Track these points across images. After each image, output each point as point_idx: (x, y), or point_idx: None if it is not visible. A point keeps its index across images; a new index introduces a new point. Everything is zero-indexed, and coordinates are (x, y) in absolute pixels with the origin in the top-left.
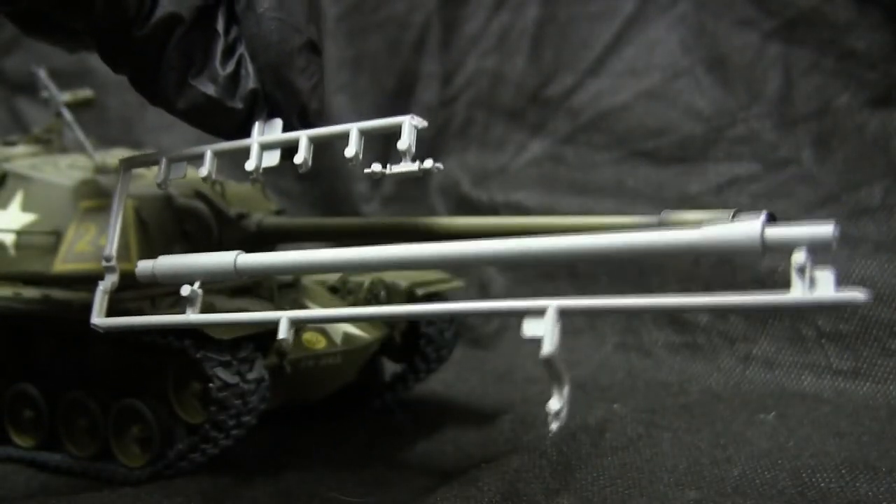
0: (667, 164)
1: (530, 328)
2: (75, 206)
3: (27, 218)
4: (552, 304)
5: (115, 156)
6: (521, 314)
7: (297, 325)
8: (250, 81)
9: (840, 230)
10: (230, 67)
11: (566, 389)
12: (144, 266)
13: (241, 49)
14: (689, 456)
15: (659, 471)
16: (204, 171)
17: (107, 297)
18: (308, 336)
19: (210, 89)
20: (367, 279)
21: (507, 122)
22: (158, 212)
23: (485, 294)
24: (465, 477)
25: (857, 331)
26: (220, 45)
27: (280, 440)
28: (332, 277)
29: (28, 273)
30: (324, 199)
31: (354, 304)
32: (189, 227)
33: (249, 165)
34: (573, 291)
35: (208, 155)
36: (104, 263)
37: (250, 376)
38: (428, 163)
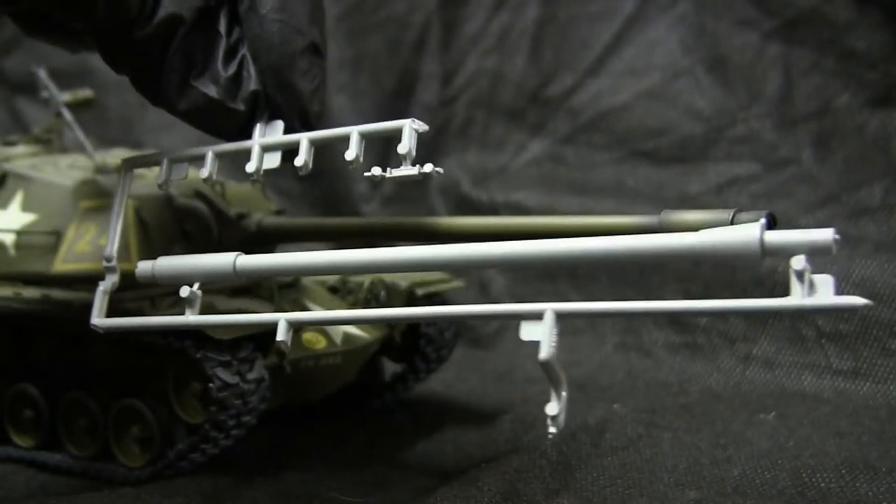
0: (667, 164)
1: (528, 332)
2: (75, 206)
3: (27, 218)
4: (550, 307)
5: (115, 156)
6: (518, 318)
7: (296, 327)
8: (252, 83)
9: (839, 232)
10: (232, 69)
11: (564, 393)
12: (144, 267)
13: (244, 50)
14: (689, 456)
15: (659, 471)
16: (205, 172)
17: (107, 297)
18: (308, 336)
19: (212, 90)
20: (366, 279)
21: (507, 122)
22: (158, 212)
23: (485, 294)
24: (465, 477)
25: (857, 331)
26: (222, 47)
27: (280, 440)
28: (332, 277)
29: (28, 273)
30: (324, 199)
31: (354, 304)
32: (189, 227)
33: (250, 167)
34: (573, 292)
35: (209, 156)
36: (105, 263)
37: (250, 376)
38: (428, 167)
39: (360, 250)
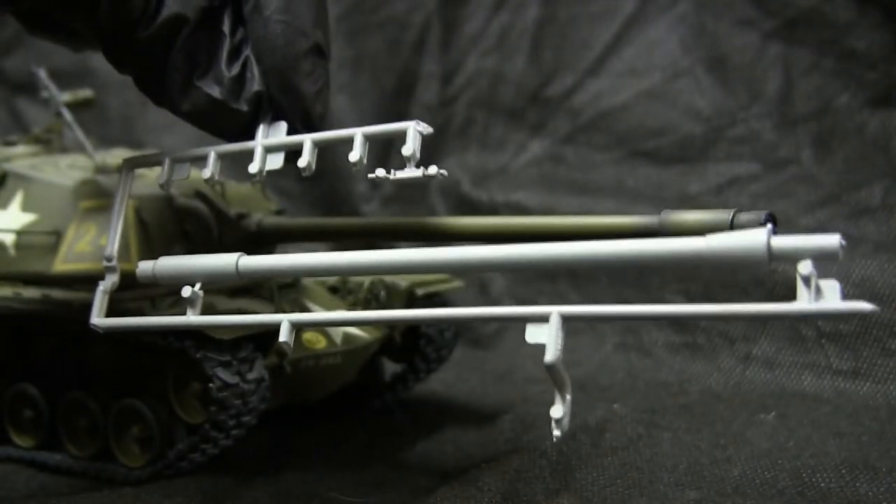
0: (667, 164)
1: (533, 334)
2: (75, 206)
3: (27, 218)
4: (555, 310)
5: (115, 156)
6: (524, 321)
7: (299, 328)
8: (255, 84)
9: (840, 230)
10: (236, 69)
11: (569, 396)
12: (145, 267)
13: (247, 51)
14: (689, 456)
15: (659, 471)
16: (207, 172)
17: (107, 297)
18: (308, 336)
19: (215, 91)
20: (366, 279)
21: (507, 122)
22: (159, 212)
23: (485, 294)
24: (465, 477)
25: (857, 331)
26: (225, 47)
27: (280, 440)
28: (332, 277)
29: (28, 273)
30: (324, 199)
31: (354, 304)
32: (189, 227)
33: (253, 168)
34: (573, 292)
35: (212, 156)
36: (105, 263)
37: (250, 376)
38: (433, 169)
39: (361, 252)
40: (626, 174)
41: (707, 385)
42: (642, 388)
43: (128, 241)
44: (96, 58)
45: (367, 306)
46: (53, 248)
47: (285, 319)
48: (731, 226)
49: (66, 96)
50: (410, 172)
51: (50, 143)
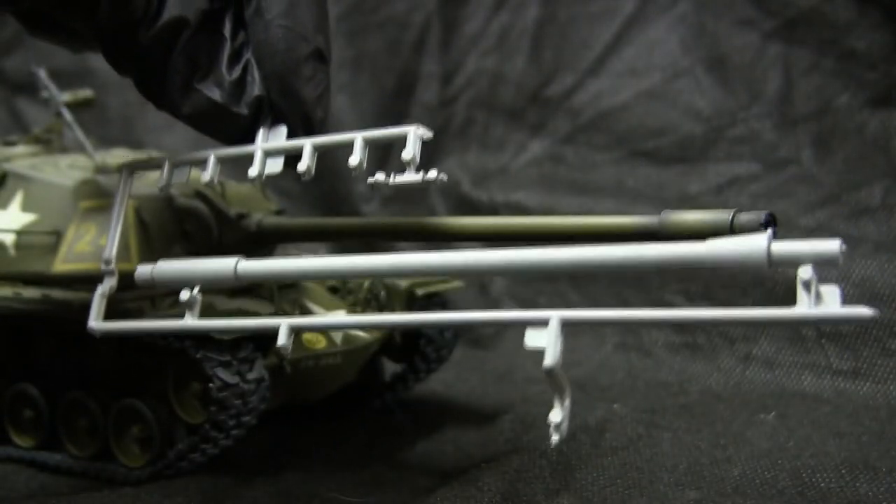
0: (667, 164)
1: (533, 339)
2: (75, 206)
3: (27, 218)
4: (555, 315)
5: (115, 156)
6: (523, 325)
7: (297, 332)
8: (256, 88)
9: (840, 233)
10: (236, 73)
11: (568, 401)
12: (143, 270)
13: (248, 54)
14: (689, 456)
15: (659, 471)
16: (207, 175)
17: (105, 301)
18: (308, 336)
19: (215, 94)
20: (366, 279)
21: (507, 122)
22: (159, 212)
23: (485, 294)
24: (465, 477)
25: (857, 331)
26: (226, 50)
27: (280, 440)
28: None
29: (28, 273)
30: (324, 199)
31: (354, 304)
32: (189, 227)
33: (253, 172)
34: (573, 292)
35: (212, 160)
36: (103, 267)
37: (250, 376)
38: (432, 174)
39: (359, 256)
40: (626, 174)
41: (707, 385)
42: (642, 388)
43: (128, 242)
44: (96, 58)
45: (366, 306)
46: (53, 248)
47: (283, 323)
48: (731, 226)
49: (66, 96)
50: (410, 177)
51: (50, 143)
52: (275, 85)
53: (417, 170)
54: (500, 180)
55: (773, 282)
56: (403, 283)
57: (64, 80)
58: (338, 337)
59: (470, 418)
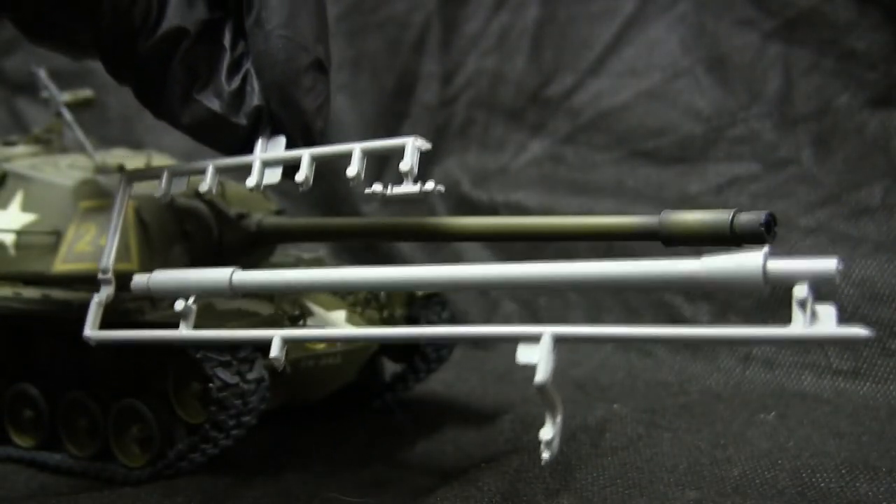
0: (667, 164)
1: (525, 354)
2: (75, 206)
3: (27, 218)
4: (547, 330)
5: (115, 156)
6: (515, 340)
7: (290, 343)
8: (255, 98)
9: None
10: (236, 83)
11: (559, 418)
12: (139, 280)
13: (248, 65)
14: (689, 456)
15: (659, 471)
16: (205, 185)
17: (101, 309)
18: None
19: (215, 104)
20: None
21: (507, 122)
22: (159, 212)
23: (484, 295)
24: (465, 477)
25: None
26: (226, 60)
27: (280, 440)
28: None
29: (28, 273)
30: (324, 199)
31: (354, 303)
32: (189, 227)
33: (251, 182)
34: (573, 292)
35: (210, 170)
36: (100, 276)
37: (250, 376)
38: (430, 185)
39: (356, 269)
40: (626, 174)
41: (707, 385)
42: (642, 388)
43: (128, 242)
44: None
45: (366, 306)
46: (53, 248)
47: (277, 335)
48: (731, 226)
49: (66, 96)
50: (407, 188)
51: (50, 143)
52: (274, 95)
53: (415, 180)
54: (500, 180)
55: (773, 285)
56: None
57: (64, 80)
58: None
59: (470, 418)
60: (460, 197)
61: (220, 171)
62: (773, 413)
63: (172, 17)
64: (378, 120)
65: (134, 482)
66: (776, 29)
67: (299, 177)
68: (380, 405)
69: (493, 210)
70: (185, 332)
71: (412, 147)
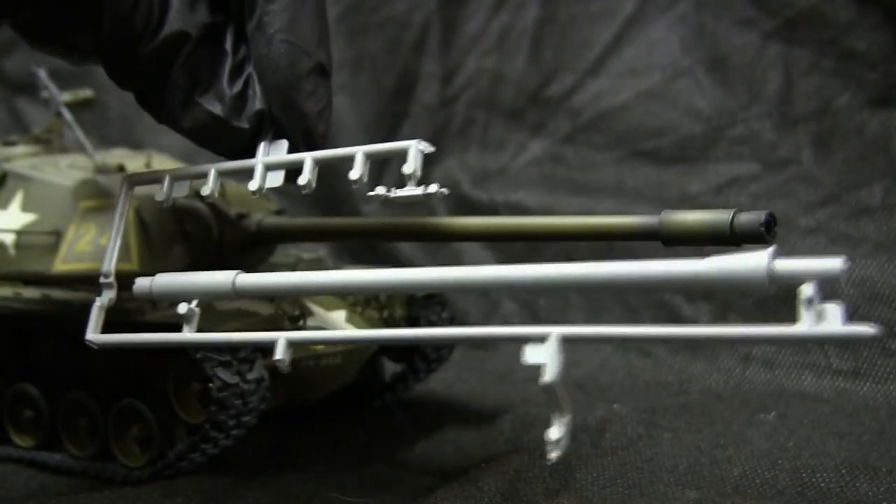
0: (667, 164)
1: (532, 355)
2: (75, 206)
3: (27, 218)
4: (554, 331)
5: (115, 156)
6: (522, 341)
7: (295, 346)
8: (257, 102)
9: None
10: (237, 87)
11: (567, 418)
12: (142, 283)
13: (249, 69)
14: (689, 456)
15: (659, 471)
16: (207, 189)
17: (103, 313)
18: None
19: (216, 108)
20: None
21: (507, 122)
22: (159, 212)
23: (484, 295)
24: (465, 477)
25: None
26: (227, 64)
27: (280, 440)
28: None
29: (28, 273)
30: (324, 199)
31: (354, 304)
32: (189, 227)
33: (253, 185)
34: (573, 292)
35: (212, 174)
36: (102, 280)
37: (250, 376)
38: (433, 187)
39: (359, 271)
40: (626, 174)
41: (707, 385)
42: (642, 388)
43: (128, 242)
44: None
45: (366, 306)
46: (53, 248)
47: (281, 337)
48: (731, 226)
49: (66, 96)
50: (411, 191)
51: (50, 143)
52: (276, 99)
53: (418, 183)
54: (500, 180)
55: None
56: None
57: (64, 80)
58: None
59: (470, 418)
60: (460, 197)
61: (222, 174)
62: (773, 413)
63: (174, 22)
64: (378, 120)
65: (134, 482)
66: (776, 29)
67: (302, 180)
68: (380, 405)
69: (493, 210)
70: (188, 334)
71: (415, 150)
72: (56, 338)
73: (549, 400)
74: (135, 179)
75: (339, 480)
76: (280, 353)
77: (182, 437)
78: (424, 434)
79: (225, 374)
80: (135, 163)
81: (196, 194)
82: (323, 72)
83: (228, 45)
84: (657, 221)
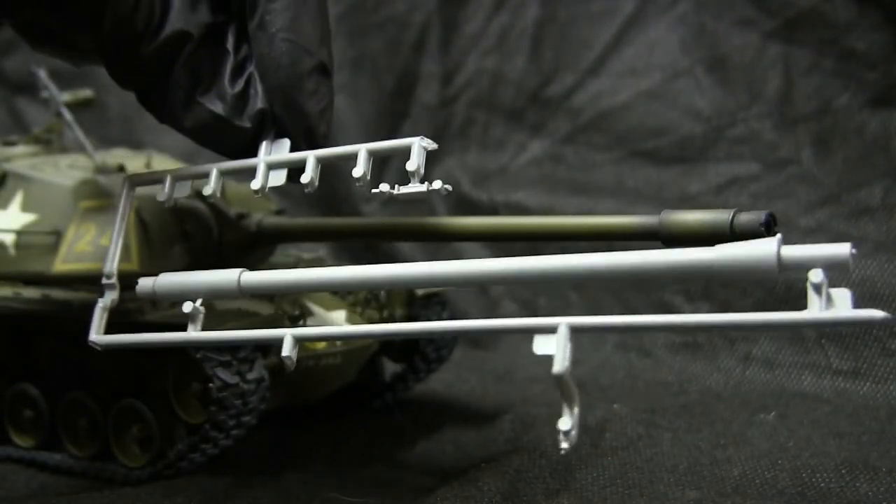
0: (667, 164)
1: (541, 346)
2: (75, 206)
3: (27, 218)
4: (564, 321)
5: (115, 156)
6: (532, 332)
7: (301, 342)
8: (259, 101)
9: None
10: (239, 86)
11: (577, 408)
12: (145, 283)
13: (251, 68)
14: (689, 456)
15: (659, 471)
16: (209, 189)
17: (106, 314)
18: None
19: (218, 107)
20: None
21: (507, 122)
22: (159, 212)
23: (485, 294)
24: (465, 477)
25: (857, 331)
26: (229, 64)
27: (280, 440)
28: None
29: (28, 273)
30: (324, 199)
31: (354, 304)
32: (189, 227)
33: (255, 185)
34: (573, 292)
35: (214, 174)
36: (104, 281)
37: (250, 376)
38: (437, 184)
39: (363, 267)
40: (626, 174)
41: (707, 385)
42: (642, 388)
43: (128, 242)
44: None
45: (366, 306)
46: (53, 248)
47: (288, 334)
48: (731, 226)
49: (66, 96)
50: (414, 188)
51: (50, 143)
52: (278, 98)
53: (422, 180)
54: (500, 180)
55: (774, 281)
56: None
57: (64, 80)
58: None
59: (470, 418)
60: (460, 197)
61: (224, 174)
62: (773, 413)
63: (175, 21)
64: (378, 120)
65: (134, 482)
66: (776, 29)
67: (305, 178)
68: (380, 405)
69: (493, 210)
70: (193, 334)
71: (418, 147)
72: (56, 338)
73: (559, 390)
74: (136, 180)
75: (339, 480)
76: (287, 350)
77: (182, 437)
78: (424, 434)
79: (225, 374)
80: (135, 163)
81: (196, 194)
82: (324, 71)
83: (230, 44)
84: (657, 221)
